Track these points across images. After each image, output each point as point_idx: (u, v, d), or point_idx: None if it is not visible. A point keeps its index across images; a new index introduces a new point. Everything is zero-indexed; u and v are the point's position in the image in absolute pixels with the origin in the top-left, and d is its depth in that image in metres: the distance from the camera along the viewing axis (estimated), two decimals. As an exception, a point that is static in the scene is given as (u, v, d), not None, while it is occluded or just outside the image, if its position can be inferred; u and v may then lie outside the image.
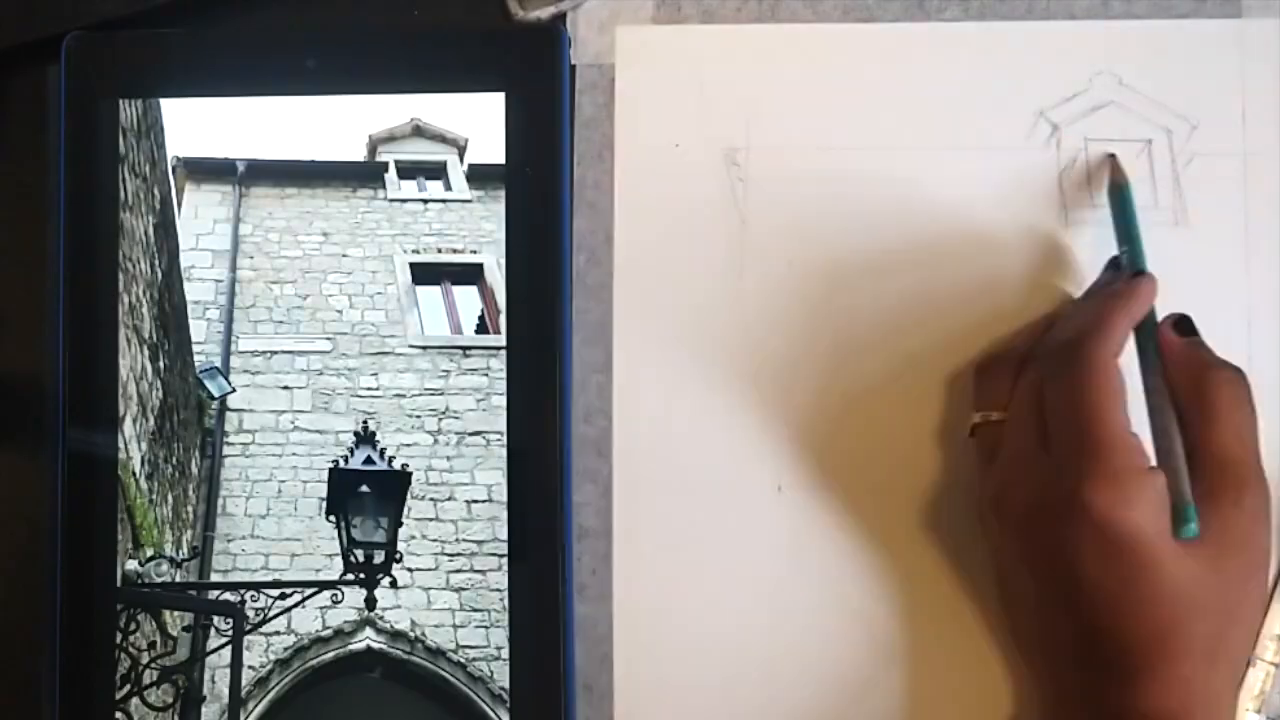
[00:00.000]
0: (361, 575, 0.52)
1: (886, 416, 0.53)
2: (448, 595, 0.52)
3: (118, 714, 0.51)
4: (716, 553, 0.53)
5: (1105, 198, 0.53)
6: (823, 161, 0.54)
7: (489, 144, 0.52)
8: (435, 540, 0.52)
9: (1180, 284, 0.50)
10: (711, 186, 0.54)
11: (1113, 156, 0.53)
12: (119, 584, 0.52)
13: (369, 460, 0.52)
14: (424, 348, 0.53)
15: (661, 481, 0.53)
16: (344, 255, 0.53)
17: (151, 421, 0.53)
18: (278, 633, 0.52)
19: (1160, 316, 0.49)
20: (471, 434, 0.52)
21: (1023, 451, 0.47)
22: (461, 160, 0.55)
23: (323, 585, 0.52)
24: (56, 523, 0.51)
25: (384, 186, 0.55)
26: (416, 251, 0.54)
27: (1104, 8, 0.55)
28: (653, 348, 0.54)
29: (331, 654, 0.52)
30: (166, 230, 0.53)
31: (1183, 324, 0.48)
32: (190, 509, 0.53)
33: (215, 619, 0.52)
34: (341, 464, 0.52)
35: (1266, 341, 0.53)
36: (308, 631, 0.52)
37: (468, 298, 0.53)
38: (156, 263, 0.53)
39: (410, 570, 0.52)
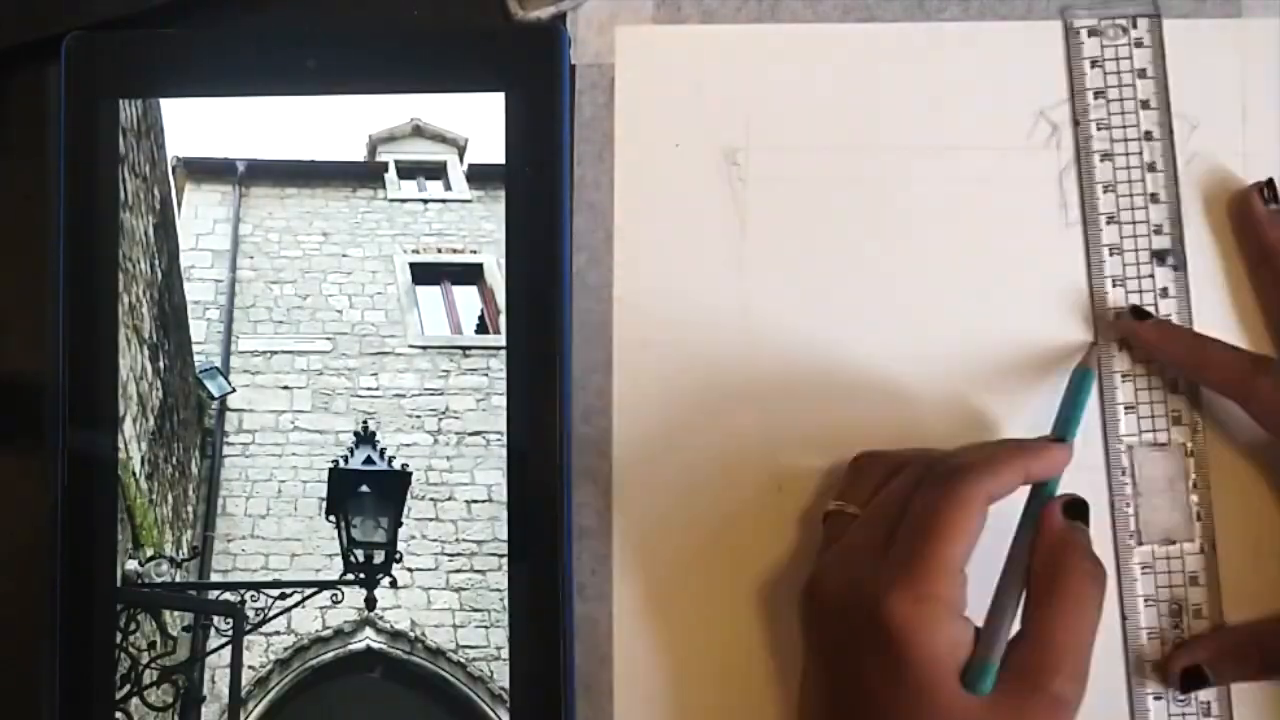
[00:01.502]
0: (361, 575, 0.52)
1: (889, 416, 0.53)
2: (448, 595, 0.52)
3: (117, 714, 0.51)
4: (716, 552, 0.53)
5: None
6: (823, 161, 0.54)
7: (489, 144, 0.52)
8: (435, 540, 0.52)
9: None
10: (711, 186, 0.54)
11: (1095, 344, 0.53)
12: (119, 584, 0.52)
13: (369, 460, 0.52)
14: (424, 348, 0.53)
15: (661, 481, 0.53)
16: (344, 255, 0.53)
17: (151, 421, 0.53)
18: (278, 633, 0.52)
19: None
20: (471, 434, 0.52)
21: (858, 547, 0.47)
22: (461, 160, 0.55)
23: (323, 585, 0.52)
24: (56, 522, 0.51)
25: (384, 186, 0.55)
26: (416, 251, 0.54)
27: (1105, 7, 0.55)
28: (653, 348, 0.54)
29: (331, 654, 0.52)
30: (166, 230, 0.53)
31: (1073, 508, 0.47)
32: (190, 509, 0.53)
33: (215, 619, 0.52)
34: (341, 464, 0.52)
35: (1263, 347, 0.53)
36: (308, 631, 0.52)
37: (468, 298, 0.53)
38: (156, 263, 0.53)
39: (410, 570, 0.52)
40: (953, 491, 0.45)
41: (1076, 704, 0.45)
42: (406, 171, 0.55)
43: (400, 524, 0.52)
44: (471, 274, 0.53)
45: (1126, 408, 0.53)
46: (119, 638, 0.52)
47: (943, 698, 0.44)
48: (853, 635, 0.45)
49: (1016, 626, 0.46)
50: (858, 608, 0.45)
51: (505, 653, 0.52)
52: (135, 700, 0.52)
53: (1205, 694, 0.51)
